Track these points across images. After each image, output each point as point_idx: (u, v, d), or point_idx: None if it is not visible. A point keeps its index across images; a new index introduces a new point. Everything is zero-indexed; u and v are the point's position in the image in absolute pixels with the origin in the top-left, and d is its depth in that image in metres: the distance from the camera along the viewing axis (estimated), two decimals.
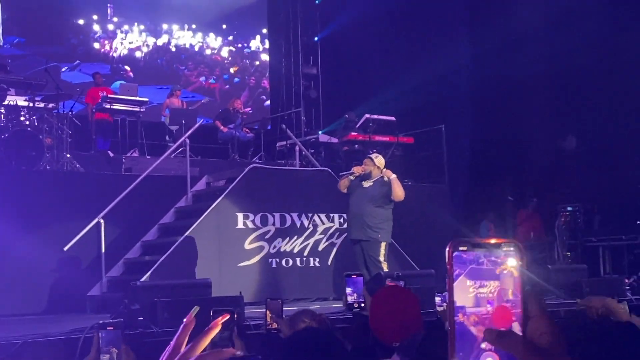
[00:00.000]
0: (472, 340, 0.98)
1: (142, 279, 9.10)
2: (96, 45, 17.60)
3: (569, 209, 14.44)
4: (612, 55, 14.81)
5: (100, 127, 13.50)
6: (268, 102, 19.33)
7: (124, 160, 12.55)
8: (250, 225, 10.65)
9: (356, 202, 9.58)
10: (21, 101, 11.38)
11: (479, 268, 0.99)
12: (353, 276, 4.02)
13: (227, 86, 19.11)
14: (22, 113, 11.15)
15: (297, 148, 12.65)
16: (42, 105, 11.49)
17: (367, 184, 9.57)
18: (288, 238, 10.90)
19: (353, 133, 14.08)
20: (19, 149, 10.59)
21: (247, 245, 10.56)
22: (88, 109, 13.70)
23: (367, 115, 14.23)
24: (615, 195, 14.24)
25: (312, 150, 13.92)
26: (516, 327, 0.99)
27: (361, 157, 13.81)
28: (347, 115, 14.58)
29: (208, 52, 19.15)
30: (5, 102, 11.28)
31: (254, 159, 14.18)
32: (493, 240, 1.00)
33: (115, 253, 10.50)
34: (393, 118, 14.57)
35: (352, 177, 9.60)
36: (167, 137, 14.34)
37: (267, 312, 4.09)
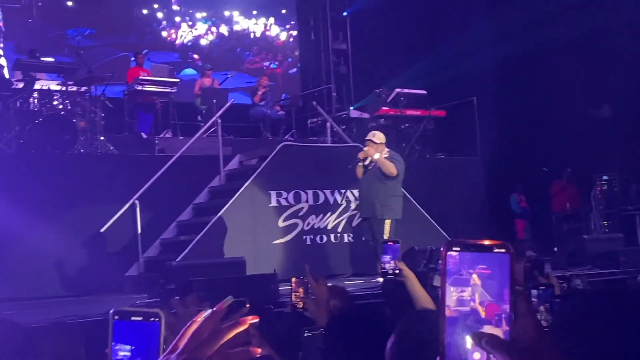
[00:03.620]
0: (461, 333, 1.06)
1: (178, 259, 9.19)
2: (163, 34, 17.87)
3: (605, 178, 14.29)
4: None
5: (142, 108, 13.53)
6: None
7: (157, 142, 12.64)
8: (283, 202, 10.69)
9: (363, 182, 9.63)
10: (54, 85, 11.49)
11: (460, 277, 1.08)
12: (390, 243, 4.01)
13: (293, 70, 19.28)
14: (55, 97, 11.25)
15: (328, 124, 12.64)
16: (74, 88, 11.59)
17: (372, 164, 9.55)
18: (322, 215, 10.93)
19: (384, 108, 14.02)
20: (53, 133, 10.71)
21: (281, 223, 10.61)
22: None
23: (398, 90, 14.14)
24: None
25: (344, 127, 13.89)
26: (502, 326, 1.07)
27: (392, 132, 13.83)
28: (377, 91, 14.52)
29: (270, 37, 19.25)
30: (38, 87, 11.39)
31: (286, 137, 14.19)
32: (486, 242, 1.07)
33: (151, 234, 10.62)
34: (424, 92, 14.47)
35: (362, 163, 9.56)
36: (199, 118, 14.39)
37: (293, 291, 4.10)
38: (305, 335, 3.22)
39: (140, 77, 13.40)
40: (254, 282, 6.72)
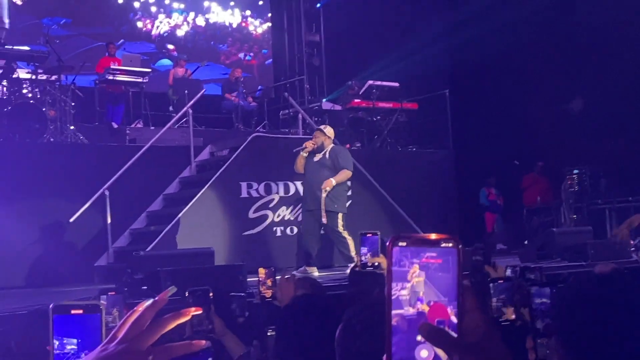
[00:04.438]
0: (408, 333, 1.00)
1: (148, 249, 9.15)
2: (139, 24, 17.77)
3: (576, 171, 14.37)
4: (619, 15, 14.66)
5: (112, 98, 13.44)
6: None
7: (128, 132, 12.56)
8: (254, 194, 10.67)
9: (310, 176, 9.38)
10: (23, 74, 11.37)
11: (400, 270, 1.00)
12: (368, 235, 4.00)
13: (269, 61, 19.25)
14: (25, 85, 11.15)
15: (300, 116, 12.62)
16: (44, 77, 11.48)
17: (318, 156, 9.38)
18: (292, 206, 10.92)
19: (356, 100, 14.03)
20: (22, 121, 10.60)
21: (251, 214, 10.60)
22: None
23: (370, 82, 14.16)
24: (622, 157, 14.17)
25: (316, 118, 13.89)
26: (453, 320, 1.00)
27: (365, 125, 13.84)
28: (350, 83, 14.52)
29: (246, 29, 19.21)
30: None
31: (258, 128, 14.16)
32: (433, 236, 1.01)
33: (121, 224, 10.57)
34: (396, 84, 14.50)
35: (304, 154, 9.46)
36: (170, 108, 14.32)
37: (261, 282, 4.12)
38: (268, 334, 3.23)
39: (112, 67, 13.30)
40: (222, 273, 6.71)
